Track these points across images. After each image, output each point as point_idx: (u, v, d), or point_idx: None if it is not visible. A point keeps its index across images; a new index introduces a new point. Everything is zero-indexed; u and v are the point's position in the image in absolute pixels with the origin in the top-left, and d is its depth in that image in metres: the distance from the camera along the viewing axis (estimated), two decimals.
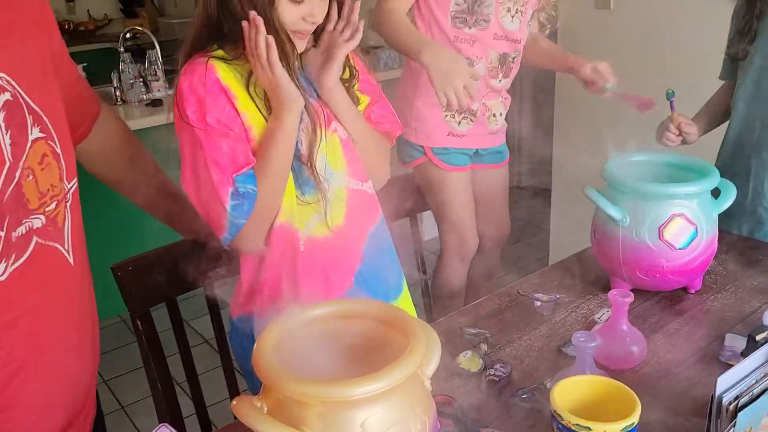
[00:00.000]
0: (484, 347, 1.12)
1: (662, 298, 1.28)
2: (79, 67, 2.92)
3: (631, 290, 1.28)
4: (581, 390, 0.81)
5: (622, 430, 0.73)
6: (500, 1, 1.70)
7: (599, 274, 1.34)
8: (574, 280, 1.36)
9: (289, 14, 1.01)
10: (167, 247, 1.32)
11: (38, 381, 0.82)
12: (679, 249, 1.20)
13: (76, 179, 0.89)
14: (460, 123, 1.82)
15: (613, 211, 1.22)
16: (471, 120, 1.83)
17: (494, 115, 1.87)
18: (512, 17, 1.73)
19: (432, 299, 1.80)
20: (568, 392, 0.80)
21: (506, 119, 1.94)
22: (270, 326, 0.79)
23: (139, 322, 1.27)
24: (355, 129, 1.14)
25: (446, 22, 1.71)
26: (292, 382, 0.71)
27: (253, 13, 0.99)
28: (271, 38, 0.98)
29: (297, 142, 1.06)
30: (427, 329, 0.83)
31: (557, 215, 3.00)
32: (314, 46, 1.10)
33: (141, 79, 2.94)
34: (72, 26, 5.12)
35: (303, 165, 1.07)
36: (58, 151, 0.84)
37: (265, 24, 0.99)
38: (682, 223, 1.19)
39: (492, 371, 1.07)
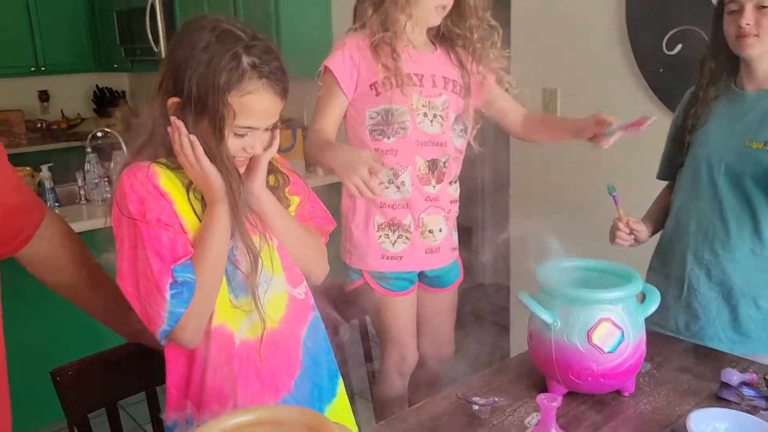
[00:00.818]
0: None
1: (597, 402, 1.31)
2: (25, 174, 2.95)
3: (568, 393, 1.32)
4: None
5: None
6: (414, 108, 1.71)
7: (536, 376, 1.37)
8: (513, 383, 1.39)
9: (232, 146, 1.09)
10: (109, 351, 1.33)
11: None
12: (608, 352, 1.24)
13: None
14: (394, 244, 1.78)
15: (545, 315, 1.27)
16: (406, 239, 1.78)
17: (431, 231, 1.81)
18: (431, 122, 1.74)
19: (374, 407, 1.79)
20: None
21: (457, 233, 1.90)
22: (202, 428, 0.81)
23: (75, 429, 1.25)
24: (287, 230, 1.20)
25: (366, 137, 1.74)
26: None
27: (173, 118, 1.07)
28: (193, 137, 1.06)
29: (233, 248, 1.11)
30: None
31: (517, 312, 3.04)
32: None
33: (106, 179, 3.00)
34: (45, 125, 5.23)
35: (237, 269, 1.12)
36: None
37: (212, 157, 1.07)
38: (609, 327, 1.24)
39: None
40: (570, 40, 2.63)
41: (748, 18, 1.48)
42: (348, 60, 1.70)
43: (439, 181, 1.80)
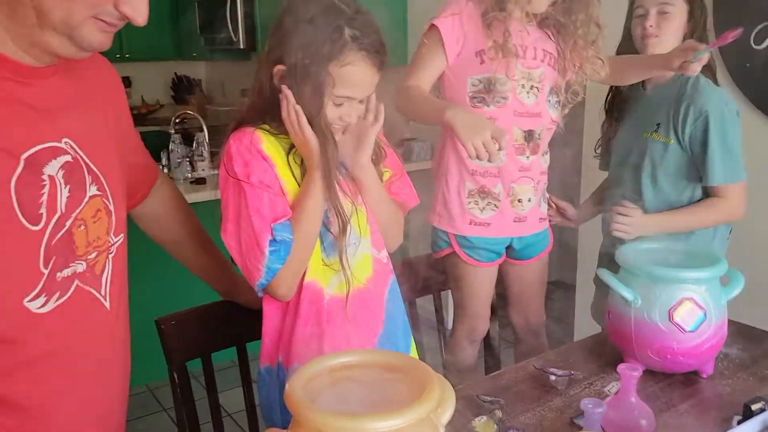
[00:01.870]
0: (498, 413, 1.18)
1: (675, 381, 1.32)
2: None
3: (645, 371, 1.33)
4: None
5: None
6: (515, 78, 1.74)
7: (614, 355, 1.39)
8: (589, 359, 1.41)
9: (330, 113, 1.16)
10: (206, 306, 1.42)
11: (65, 411, 0.90)
12: (689, 332, 1.26)
13: (123, 235, 1.01)
14: (483, 210, 1.83)
15: (626, 292, 1.30)
16: (495, 206, 1.82)
17: (520, 201, 1.84)
18: (527, 93, 1.77)
19: (446, 373, 1.83)
20: None
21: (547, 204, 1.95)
22: (301, 369, 0.87)
23: (175, 375, 1.35)
24: (379, 200, 1.27)
25: (466, 102, 1.77)
26: (316, 414, 0.78)
27: (284, 87, 1.14)
28: (299, 107, 1.13)
29: (327, 211, 1.18)
30: (442, 381, 0.90)
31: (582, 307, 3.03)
32: (343, 133, 1.23)
33: (187, 159, 3.14)
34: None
35: (328, 231, 1.19)
36: (111, 208, 0.97)
37: (312, 123, 1.14)
38: (691, 307, 1.26)
39: None
40: None
41: (651, 21, 1.74)
42: (458, 25, 1.72)
43: (534, 152, 1.83)
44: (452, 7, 1.75)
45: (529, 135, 1.81)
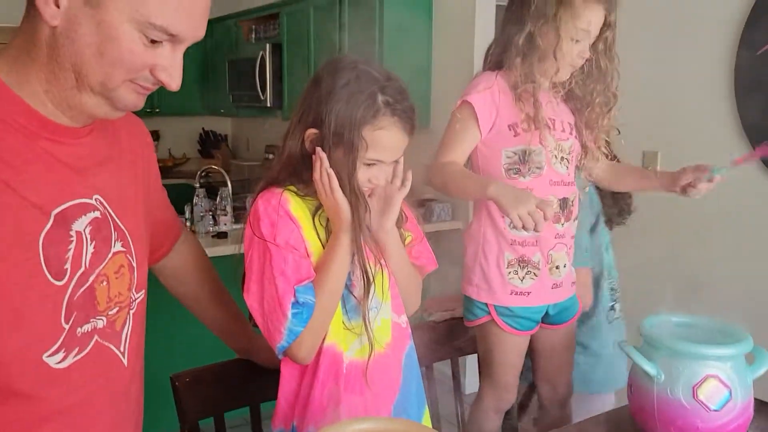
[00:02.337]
0: None
1: None
2: None
3: None
4: None
5: None
6: (549, 149, 1.77)
7: (634, 431, 1.35)
8: None
9: (360, 176, 1.18)
10: (221, 363, 1.41)
11: None
12: (714, 411, 1.22)
13: (144, 291, 1.02)
14: (523, 280, 1.82)
15: (648, 367, 1.27)
16: (534, 275, 1.82)
17: (557, 267, 1.85)
18: (560, 163, 1.80)
19: None
20: None
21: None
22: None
23: None
24: (400, 264, 1.27)
25: (501, 174, 1.79)
26: None
27: (318, 149, 1.16)
28: (331, 170, 1.15)
29: (350, 273, 1.18)
30: None
31: None
32: (370, 197, 1.23)
33: (210, 213, 3.19)
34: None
35: (351, 294, 1.19)
36: (134, 264, 0.98)
37: (343, 186, 1.16)
38: (716, 385, 1.23)
39: None
40: (673, 102, 2.64)
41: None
42: (489, 100, 1.76)
43: (567, 219, 1.84)
44: (484, 82, 1.78)
45: (563, 203, 1.84)
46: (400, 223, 1.31)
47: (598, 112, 1.81)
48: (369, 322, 1.19)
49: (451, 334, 1.72)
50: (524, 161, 1.77)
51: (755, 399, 1.30)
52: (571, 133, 1.81)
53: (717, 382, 1.23)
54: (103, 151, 0.96)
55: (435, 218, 3.61)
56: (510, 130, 1.76)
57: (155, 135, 5.73)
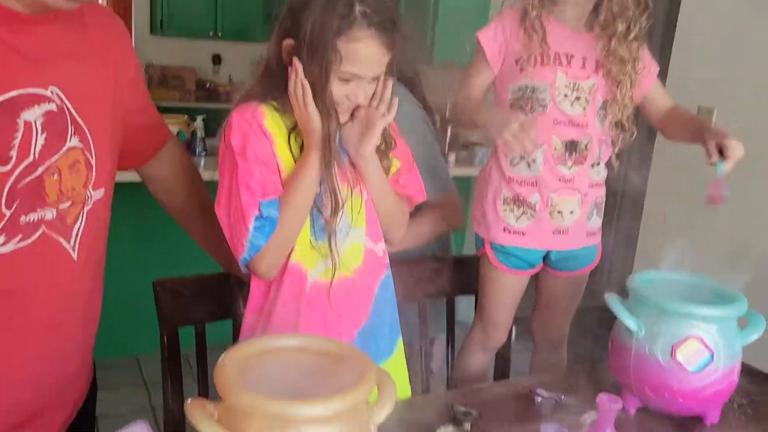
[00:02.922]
0: (467, 425, 1.12)
1: (674, 424, 1.22)
2: (182, 122, 3.23)
3: (644, 409, 1.25)
4: None
5: None
6: (556, 87, 1.70)
7: (615, 385, 1.30)
8: (589, 386, 1.33)
9: (336, 90, 1.14)
10: (206, 275, 1.43)
11: (16, 351, 0.92)
12: (691, 372, 1.16)
13: (104, 190, 1.02)
14: (518, 219, 1.79)
15: (630, 321, 1.21)
16: (531, 216, 1.78)
17: (560, 212, 1.79)
18: (572, 103, 1.71)
19: (453, 380, 1.78)
20: None
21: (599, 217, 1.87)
22: (237, 346, 0.86)
23: (165, 338, 1.37)
24: (380, 193, 1.24)
25: (507, 110, 1.76)
26: (238, 391, 0.77)
27: (294, 59, 1.12)
28: (306, 82, 1.12)
29: (320, 194, 1.16)
30: (384, 378, 0.87)
31: None
32: (352, 120, 1.20)
33: None
34: (212, 86, 5.67)
35: (320, 214, 1.17)
36: (92, 162, 0.98)
37: (316, 99, 1.12)
38: (697, 346, 1.16)
39: None
40: (732, 57, 2.45)
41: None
42: (500, 34, 1.71)
43: (578, 162, 1.77)
44: (497, 16, 1.74)
45: (570, 145, 1.75)
46: (387, 149, 1.27)
47: (635, 46, 1.68)
48: (335, 243, 1.17)
49: (448, 270, 1.69)
50: (527, 98, 1.71)
51: (745, 365, 1.22)
52: (596, 72, 1.70)
53: (698, 343, 1.16)
54: (65, 44, 0.95)
55: (477, 162, 3.52)
56: (516, 65, 1.70)
57: (217, 59, 5.78)
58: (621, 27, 1.65)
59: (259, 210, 1.12)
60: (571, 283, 1.92)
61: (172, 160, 1.31)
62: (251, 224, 1.12)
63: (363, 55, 1.11)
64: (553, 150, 1.75)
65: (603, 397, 1.04)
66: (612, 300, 1.25)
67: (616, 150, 1.80)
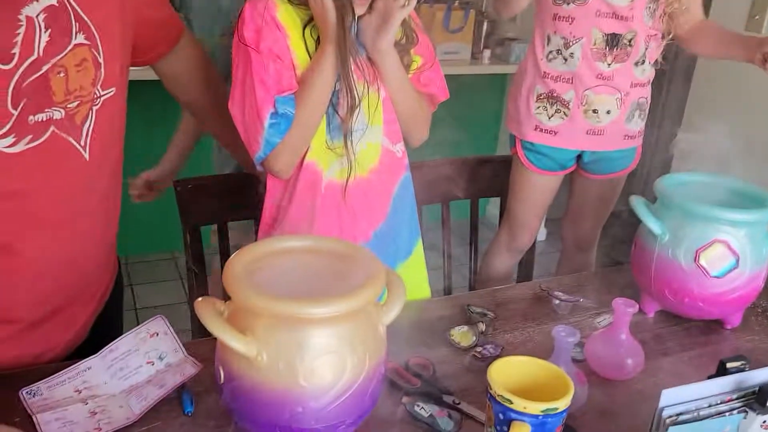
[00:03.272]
0: (481, 326, 1.13)
1: (692, 326, 1.22)
2: None
3: (661, 312, 1.24)
4: (523, 371, 0.81)
5: (543, 410, 0.74)
6: None
7: (634, 289, 1.29)
8: (606, 289, 1.32)
9: None
10: (227, 175, 1.44)
11: (31, 251, 0.94)
12: (714, 277, 1.14)
13: (115, 89, 0.99)
14: (550, 117, 1.73)
15: (654, 225, 1.18)
16: (565, 114, 1.72)
17: (595, 111, 1.71)
18: None
19: (476, 282, 1.80)
20: (510, 370, 0.80)
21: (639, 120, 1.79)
22: (248, 247, 0.86)
23: (187, 236, 1.39)
24: (399, 91, 1.19)
25: (549, 1, 1.67)
26: (246, 291, 0.78)
27: None
28: None
29: (336, 91, 1.12)
30: (393, 279, 0.86)
31: None
32: (370, 12, 1.14)
33: None
34: None
35: (336, 112, 1.13)
36: (100, 60, 0.95)
37: None
38: (722, 251, 1.13)
39: (480, 349, 1.09)
40: None
41: None
42: None
43: (619, 59, 1.68)
44: None
45: (612, 39, 1.65)
46: (408, 45, 1.21)
47: None
48: (351, 142, 1.14)
49: (474, 171, 1.66)
50: None
51: None
52: None
53: (724, 248, 1.13)
54: None
55: (514, 59, 3.39)
56: None
57: None
58: None
59: (275, 106, 1.10)
60: (605, 186, 1.87)
61: (188, 57, 1.27)
62: (266, 121, 1.10)
63: None
64: (592, 44, 1.66)
65: (619, 301, 1.03)
66: (637, 202, 1.22)
67: (662, 46, 1.69)
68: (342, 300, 0.77)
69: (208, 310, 0.79)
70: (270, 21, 1.10)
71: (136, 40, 1.10)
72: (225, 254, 1.45)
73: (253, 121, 1.11)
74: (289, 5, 1.12)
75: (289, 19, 1.12)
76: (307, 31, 1.13)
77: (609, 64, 1.68)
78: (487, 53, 3.40)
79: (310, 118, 1.12)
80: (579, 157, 1.83)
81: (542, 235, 3.47)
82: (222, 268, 1.41)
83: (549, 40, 1.69)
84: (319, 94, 1.11)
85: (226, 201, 1.43)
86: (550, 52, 1.68)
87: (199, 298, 0.82)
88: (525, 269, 1.85)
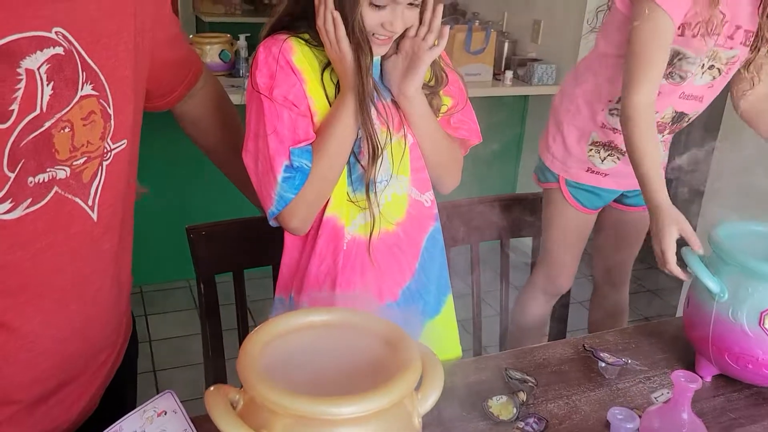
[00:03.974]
0: (522, 396, 1.03)
1: (754, 393, 1.10)
2: (224, 42, 3.05)
3: (719, 376, 1.13)
4: None
5: None
6: (702, 60, 1.46)
7: (688, 349, 1.18)
8: (655, 348, 1.21)
9: (369, 18, 0.98)
10: (244, 219, 1.34)
11: (35, 322, 0.85)
12: None
13: (126, 141, 0.90)
14: (603, 161, 1.66)
15: (711, 282, 1.07)
16: (617, 158, 1.65)
17: None
18: (703, 74, 1.50)
19: (508, 329, 1.69)
20: None
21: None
22: (263, 326, 0.77)
23: (201, 285, 1.30)
24: (428, 138, 1.09)
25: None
26: (263, 386, 0.68)
27: None
28: (337, 14, 0.96)
29: (358, 139, 1.03)
30: (431, 362, 0.76)
31: None
32: (396, 53, 1.05)
33: None
34: None
35: (358, 163, 1.04)
36: (110, 111, 0.86)
37: (346, 23, 0.97)
38: None
39: (523, 424, 0.98)
40: None
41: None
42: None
43: (673, 132, 1.63)
44: None
45: (678, 116, 1.59)
46: (438, 86, 1.11)
47: None
48: (374, 194, 1.04)
49: (504, 211, 1.56)
50: (671, 62, 1.45)
51: None
52: (743, 44, 1.46)
53: None
54: None
55: (536, 80, 3.29)
56: (677, 27, 1.40)
57: None
58: None
59: (289, 159, 1.00)
60: (639, 219, 1.79)
61: (205, 98, 1.19)
62: (280, 175, 1.00)
63: None
64: (661, 118, 1.57)
65: (679, 375, 0.92)
66: (689, 257, 1.11)
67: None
68: (374, 396, 0.67)
69: (218, 405, 0.70)
70: (285, 65, 1.01)
71: (152, 83, 1.02)
72: (242, 305, 1.35)
73: (266, 173, 1.02)
74: (306, 47, 1.03)
75: (306, 62, 1.03)
76: (326, 75, 1.04)
77: (664, 136, 1.63)
78: (509, 74, 3.31)
79: (328, 171, 1.03)
80: (619, 195, 1.76)
81: None
82: (238, 325, 1.35)
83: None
84: (338, 146, 1.02)
85: (243, 247, 1.34)
86: (617, 110, 1.55)
87: (211, 387, 0.72)
88: (559, 311, 1.75)
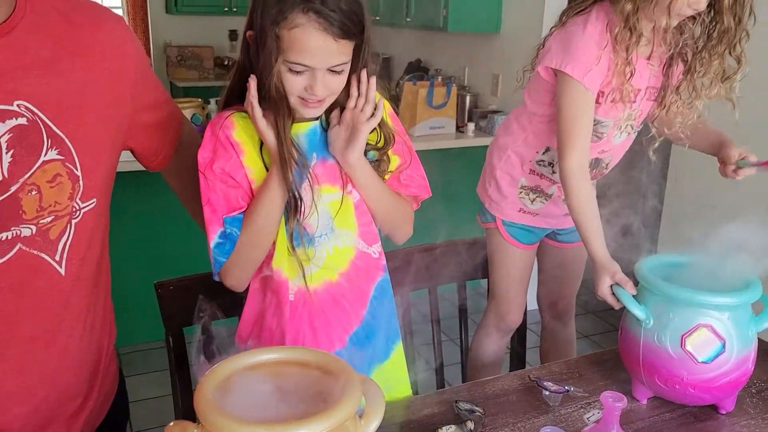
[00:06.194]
0: (470, 425, 1.10)
1: (686, 413, 1.19)
2: (196, 106, 3.17)
3: (654, 398, 1.21)
4: None
5: None
6: (617, 123, 1.62)
7: (625, 373, 1.27)
8: (597, 376, 1.30)
9: (290, 83, 1.05)
10: (209, 273, 1.42)
11: (1, 365, 0.91)
12: (702, 363, 1.12)
13: (96, 200, 0.99)
14: (533, 202, 1.81)
15: (637, 310, 1.17)
16: (546, 199, 1.80)
17: None
18: (620, 133, 1.66)
19: (467, 368, 1.77)
20: None
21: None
22: (217, 366, 0.85)
23: (170, 339, 1.37)
24: (375, 199, 1.18)
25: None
26: (214, 416, 0.76)
27: (251, 77, 1.06)
28: (255, 100, 1.06)
29: (299, 199, 1.11)
30: (371, 387, 0.85)
31: None
32: (339, 124, 1.13)
33: None
34: (231, 62, 5.63)
35: (297, 220, 1.12)
36: (78, 173, 0.94)
37: (268, 88, 1.05)
38: (707, 336, 1.11)
39: None
40: None
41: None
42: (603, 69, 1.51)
43: (596, 177, 1.77)
44: (582, 44, 1.50)
45: (596, 162, 1.73)
46: (387, 147, 1.20)
47: (710, 78, 1.54)
48: (303, 249, 1.13)
49: (457, 256, 1.66)
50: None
51: (765, 343, 1.18)
52: (650, 99, 1.63)
53: (709, 332, 1.12)
54: (39, 52, 0.90)
55: (496, 132, 3.44)
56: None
57: (233, 35, 5.74)
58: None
59: (223, 227, 1.11)
60: (578, 255, 1.92)
61: (189, 152, 1.20)
62: (213, 241, 1.11)
63: (306, 43, 1.01)
64: None
65: (607, 395, 1.00)
66: (619, 290, 1.22)
67: (655, 145, 1.68)
68: (318, 420, 0.75)
69: None
70: (225, 140, 1.10)
71: (137, 147, 1.10)
72: (209, 357, 1.42)
73: (207, 239, 1.12)
74: (247, 120, 1.11)
75: (246, 135, 1.12)
76: (265, 149, 1.12)
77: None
78: (471, 126, 3.46)
79: (256, 237, 1.12)
80: (551, 232, 1.91)
81: None
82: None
83: (547, 150, 1.72)
84: (264, 218, 1.11)
85: (211, 300, 1.41)
86: (543, 160, 1.73)
87: (171, 423, 0.80)
88: (517, 345, 1.84)
